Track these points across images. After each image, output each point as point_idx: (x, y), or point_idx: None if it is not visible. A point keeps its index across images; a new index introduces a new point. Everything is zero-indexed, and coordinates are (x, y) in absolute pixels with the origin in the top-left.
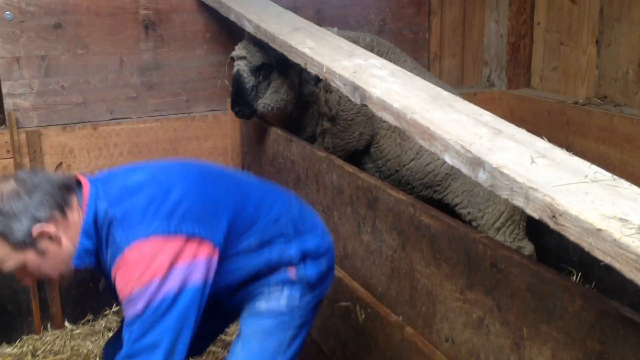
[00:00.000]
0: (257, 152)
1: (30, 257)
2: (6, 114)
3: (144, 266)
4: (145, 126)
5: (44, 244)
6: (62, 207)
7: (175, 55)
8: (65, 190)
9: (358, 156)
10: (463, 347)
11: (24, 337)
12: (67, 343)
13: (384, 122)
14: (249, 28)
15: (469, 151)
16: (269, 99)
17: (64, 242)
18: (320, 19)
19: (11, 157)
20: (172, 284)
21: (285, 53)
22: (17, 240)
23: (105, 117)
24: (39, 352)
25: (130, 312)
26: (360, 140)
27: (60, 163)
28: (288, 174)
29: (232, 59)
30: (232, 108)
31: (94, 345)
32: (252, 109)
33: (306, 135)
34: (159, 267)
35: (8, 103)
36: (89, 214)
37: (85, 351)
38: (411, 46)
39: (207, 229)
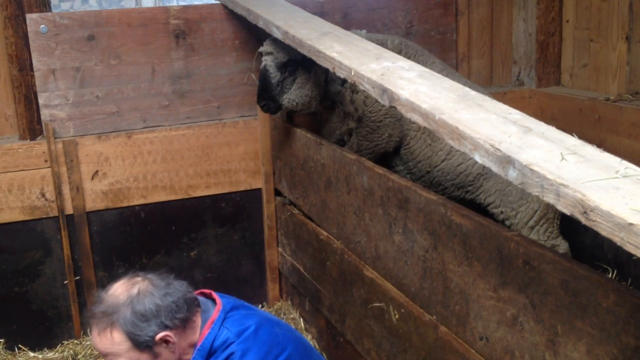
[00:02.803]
0: (287, 156)
1: (143, 358)
2: (43, 124)
3: None
4: (178, 133)
5: (161, 348)
6: (186, 320)
7: (205, 63)
8: (192, 305)
9: (388, 158)
10: (497, 345)
11: (65, 342)
12: None
13: (414, 123)
14: (277, 34)
15: (499, 150)
16: (294, 94)
17: (176, 351)
18: (348, 23)
19: (49, 167)
20: None
21: (314, 58)
22: (140, 341)
23: (139, 126)
24: (79, 356)
25: None
26: (389, 142)
27: (97, 171)
28: (319, 177)
29: (260, 54)
30: (258, 102)
31: None
32: (277, 104)
33: (336, 138)
34: None
35: (45, 114)
36: (210, 335)
37: None
38: (439, 47)
39: None
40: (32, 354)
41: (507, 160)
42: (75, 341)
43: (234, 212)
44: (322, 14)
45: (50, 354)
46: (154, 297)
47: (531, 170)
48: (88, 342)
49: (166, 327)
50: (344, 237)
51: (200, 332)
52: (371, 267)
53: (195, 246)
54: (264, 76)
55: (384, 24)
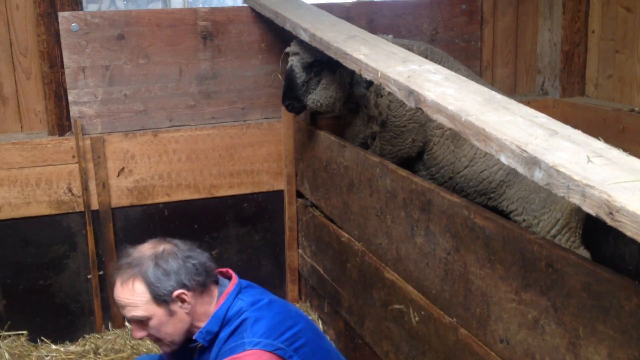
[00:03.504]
0: (310, 158)
1: (159, 313)
2: (72, 121)
3: None
4: (203, 133)
5: (176, 307)
6: (204, 285)
7: (231, 65)
8: (211, 273)
9: (411, 163)
10: (518, 348)
11: (86, 336)
12: (127, 342)
13: (437, 129)
14: (304, 37)
15: (525, 151)
16: (319, 95)
17: (191, 313)
18: (373, 29)
19: (76, 162)
20: None
21: (340, 60)
22: (158, 294)
23: (165, 125)
24: (100, 350)
25: None
26: (412, 147)
27: (123, 168)
28: (341, 179)
29: (287, 54)
30: (283, 101)
31: (153, 344)
32: (301, 104)
33: (359, 142)
34: None
35: (74, 111)
36: (225, 304)
37: (144, 350)
38: (463, 55)
39: None
40: (54, 347)
41: (533, 162)
42: (97, 335)
43: (255, 213)
44: (348, 18)
45: (71, 347)
46: (177, 257)
47: (557, 171)
48: (109, 337)
49: (184, 286)
50: (365, 239)
51: (216, 303)
52: (392, 269)
53: (216, 245)
54: (289, 76)
55: (408, 31)
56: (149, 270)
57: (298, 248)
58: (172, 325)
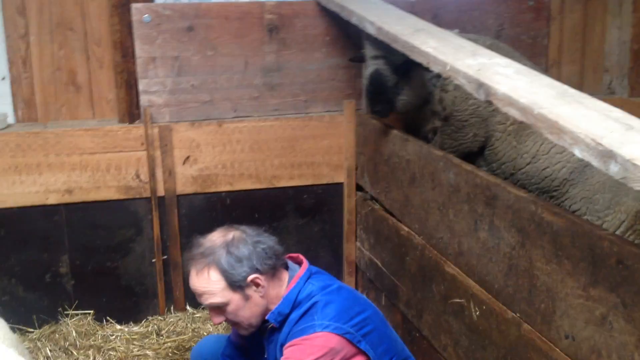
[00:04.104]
0: (371, 151)
1: (235, 298)
2: (142, 109)
3: (323, 354)
4: (266, 124)
5: (251, 291)
6: (275, 268)
7: (295, 58)
8: (280, 256)
9: (472, 158)
10: (584, 344)
11: (150, 318)
12: (189, 325)
13: (499, 124)
14: (370, 30)
15: (600, 144)
16: (409, 95)
17: (265, 296)
18: (437, 24)
19: (145, 150)
20: None
21: (408, 53)
22: (233, 280)
23: (230, 115)
24: (163, 332)
25: None
26: (474, 141)
27: (188, 156)
28: (403, 173)
29: (369, 57)
30: (372, 106)
31: (214, 328)
32: (391, 106)
33: (421, 136)
34: None
35: (144, 99)
36: (296, 287)
37: (205, 333)
38: (529, 52)
39: (376, 355)
40: (118, 327)
41: (608, 155)
42: (160, 317)
43: (315, 205)
44: (413, 13)
45: (135, 328)
46: (247, 243)
47: (634, 164)
48: (172, 319)
49: (257, 271)
50: (425, 233)
51: (287, 286)
52: (453, 263)
53: (276, 235)
54: (378, 80)
55: (474, 26)
56: (222, 258)
57: (356, 241)
58: (248, 309)
